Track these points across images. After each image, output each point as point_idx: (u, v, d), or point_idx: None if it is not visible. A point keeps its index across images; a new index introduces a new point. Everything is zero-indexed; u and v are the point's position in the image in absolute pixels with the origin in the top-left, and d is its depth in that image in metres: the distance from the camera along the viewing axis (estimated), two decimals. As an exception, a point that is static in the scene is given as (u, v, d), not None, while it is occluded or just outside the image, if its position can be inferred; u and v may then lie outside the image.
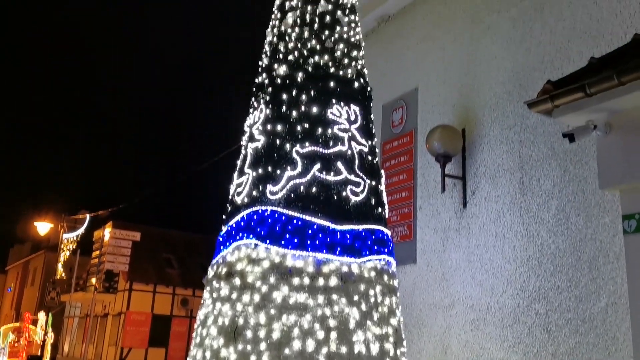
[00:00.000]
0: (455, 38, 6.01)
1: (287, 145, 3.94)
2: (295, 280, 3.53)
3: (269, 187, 3.80)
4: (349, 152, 4.03)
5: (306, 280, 3.53)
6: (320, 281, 3.55)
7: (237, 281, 3.61)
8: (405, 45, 6.73)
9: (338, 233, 3.72)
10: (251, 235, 3.69)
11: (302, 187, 3.78)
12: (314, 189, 3.78)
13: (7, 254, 46.35)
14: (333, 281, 3.57)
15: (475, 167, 5.44)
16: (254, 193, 3.86)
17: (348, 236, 3.77)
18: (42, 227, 24.90)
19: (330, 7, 4.46)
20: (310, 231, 3.66)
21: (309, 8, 4.43)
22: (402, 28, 6.86)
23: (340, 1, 4.55)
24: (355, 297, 3.61)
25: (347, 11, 4.57)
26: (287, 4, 4.52)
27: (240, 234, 3.77)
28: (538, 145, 4.86)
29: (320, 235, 3.67)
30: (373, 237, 3.90)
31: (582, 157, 4.46)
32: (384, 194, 4.27)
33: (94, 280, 23.94)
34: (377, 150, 4.42)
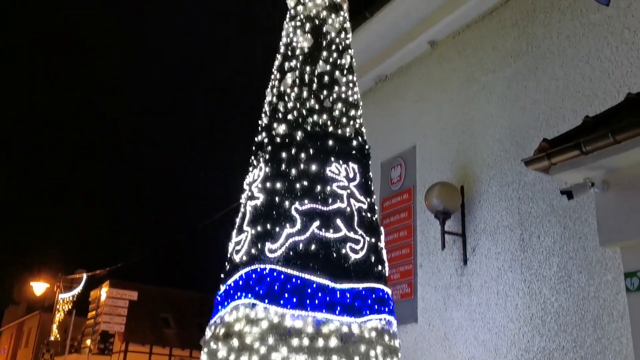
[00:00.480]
0: (451, 97, 6.12)
1: (286, 203, 3.94)
2: (295, 341, 3.45)
3: (268, 245, 3.78)
4: (348, 209, 4.03)
5: (305, 341, 3.46)
6: (320, 342, 3.48)
7: (235, 342, 3.53)
8: (402, 105, 6.85)
9: (338, 292, 3.68)
10: (249, 295, 3.64)
11: (301, 245, 3.76)
12: (313, 247, 3.76)
13: (1, 315, 45.52)
14: (333, 342, 3.50)
15: (474, 224, 5.42)
16: (253, 251, 3.84)
17: (348, 295, 3.71)
18: (38, 287, 24.58)
19: (328, 67, 4.57)
20: (309, 290, 3.62)
21: (308, 69, 4.54)
22: (398, 88, 7.00)
23: (339, 62, 4.67)
24: (356, 359, 3.52)
25: (345, 72, 4.68)
26: (287, 64, 4.64)
27: (239, 294, 3.72)
28: (537, 202, 4.87)
29: (319, 294, 3.62)
30: (373, 295, 3.84)
31: (581, 214, 4.46)
32: (384, 252, 4.24)
33: (88, 341, 23.40)
34: (376, 208, 4.43)
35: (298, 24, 4.77)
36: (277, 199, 3.98)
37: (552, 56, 5.08)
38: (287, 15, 4.95)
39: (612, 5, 4.65)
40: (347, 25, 4.99)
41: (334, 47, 4.68)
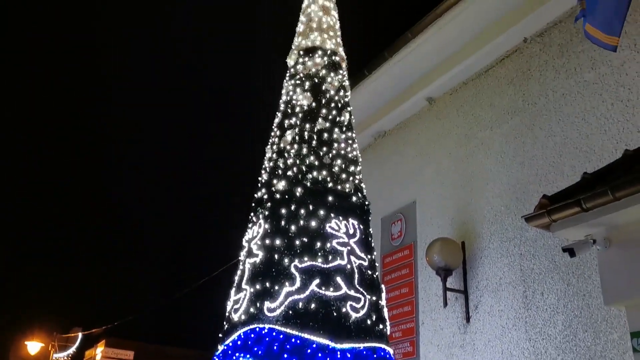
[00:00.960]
0: (450, 153, 6.17)
1: (286, 260, 3.90)
2: (294, 405, 3.34)
3: (267, 304, 3.71)
4: (349, 266, 3.98)
5: (305, 405, 3.34)
6: (320, 405, 3.36)
7: (232, 406, 3.42)
8: (401, 160, 6.90)
9: (338, 352, 3.58)
10: (248, 355, 3.55)
11: (300, 304, 3.69)
12: (312, 305, 3.69)
13: (-7, 375, 44.32)
14: (333, 405, 3.39)
15: (476, 281, 5.35)
16: (252, 310, 3.77)
17: (349, 355, 3.62)
18: (33, 346, 24.01)
19: (328, 125, 4.62)
20: (309, 350, 3.53)
21: (308, 126, 4.58)
22: (397, 143, 7.06)
23: (338, 119, 4.73)
24: (357, 423, 3.40)
25: (345, 129, 4.73)
26: (286, 122, 4.69)
27: (237, 354, 3.63)
28: (539, 258, 4.82)
29: (319, 354, 3.53)
30: (375, 355, 3.75)
31: (584, 271, 4.41)
32: (385, 310, 4.16)
33: (82, 402, 22.70)
34: (376, 264, 4.38)
35: (298, 82, 4.86)
36: (276, 256, 3.95)
37: (549, 113, 5.15)
38: (287, 74, 5.05)
39: (605, 63, 4.76)
40: (346, 83, 5.08)
41: (333, 104, 4.75)
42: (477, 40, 5.93)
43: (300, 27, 5.22)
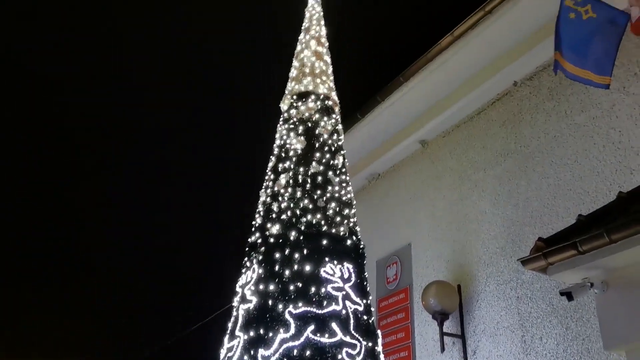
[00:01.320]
0: (444, 195, 6.17)
1: (280, 306, 3.84)
2: None
3: (261, 352, 3.62)
4: (344, 311, 3.91)
5: None
6: None
7: None
8: (395, 202, 6.89)
9: (334, 401, 3.48)
10: (241, 406, 3.44)
11: (295, 351, 3.61)
12: (308, 353, 3.61)
13: None
14: None
15: (474, 325, 5.27)
16: (246, 358, 3.68)
17: (345, 404, 3.52)
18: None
19: (321, 168, 4.62)
20: (304, 400, 3.43)
21: (302, 169, 4.58)
22: (392, 186, 7.07)
23: (331, 163, 4.73)
24: None
25: (338, 172, 4.73)
26: (280, 165, 4.69)
27: (230, 405, 3.52)
28: (536, 302, 4.76)
29: (315, 404, 3.43)
30: (371, 404, 3.65)
31: (583, 314, 4.35)
32: (382, 356, 4.07)
33: None
34: (372, 309, 4.31)
35: (291, 126, 4.88)
36: (270, 302, 3.88)
37: (542, 155, 5.18)
38: (281, 118, 5.08)
39: (595, 106, 4.82)
40: (339, 127, 5.11)
41: (326, 148, 4.77)
42: (468, 83, 6.02)
43: (293, 72, 5.29)
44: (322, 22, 5.64)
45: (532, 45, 5.40)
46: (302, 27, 5.63)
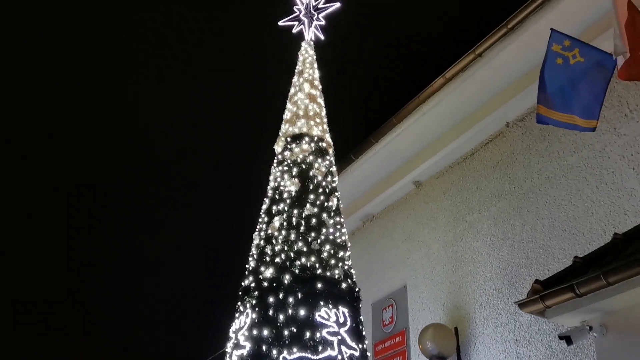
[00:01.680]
0: (439, 236, 6.14)
1: (274, 352, 3.77)
2: None
3: (255, 400, 3.53)
4: (339, 357, 3.85)
5: None
6: None
7: None
8: (390, 244, 6.84)
9: None
10: None
11: (290, 399, 3.52)
12: (303, 401, 3.52)
13: None
14: None
15: (472, 369, 5.17)
16: (238, 407, 3.58)
17: None
18: None
19: (316, 210, 4.61)
20: None
21: (296, 212, 4.56)
22: (386, 227, 7.04)
23: (326, 204, 4.72)
24: None
25: (333, 214, 4.72)
26: (274, 208, 4.67)
27: None
28: (535, 345, 4.68)
29: None
30: None
31: (582, 358, 4.27)
32: (378, 403, 3.98)
33: None
34: (368, 354, 4.23)
35: (285, 168, 4.88)
36: (264, 347, 3.80)
37: (535, 196, 5.18)
38: (275, 160, 5.09)
39: (587, 147, 4.86)
40: (333, 168, 5.12)
41: (321, 190, 4.76)
42: (461, 124, 6.07)
43: (287, 115, 5.32)
44: (315, 65, 5.73)
45: (523, 87, 5.47)
46: (296, 70, 5.70)
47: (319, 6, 6.09)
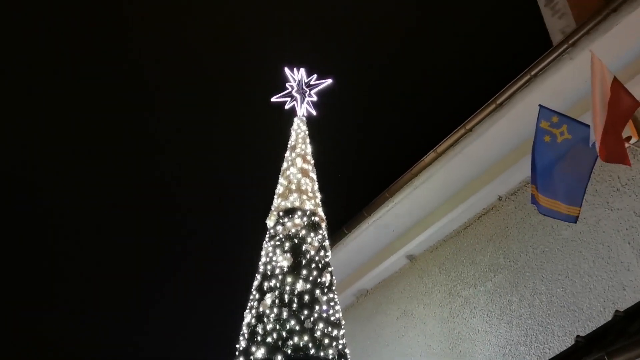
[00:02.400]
0: (435, 312, 5.98)
1: None
2: None
3: None
4: None
5: None
6: None
7: None
8: (385, 320, 6.66)
9: None
10: None
11: None
12: None
13: None
14: None
15: None
16: None
17: None
18: None
19: (308, 286, 4.50)
20: None
21: (288, 289, 4.45)
22: (380, 303, 6.87)
23: (319, 280, 4.61)
24: None
25: (326, 290, 4.60)
26: (266, 284, 4.55)
27: None
28: None
29: None
30: None
31: None
32: None
33: None
34: None
35: (277, 243, 4.80)
36: None
37: (532, 271, 5.10)
38: (267, 235, 5.01)
39: (581, 221, 4.83)
40: (326, 243, 5.04)
41: (313, 265, 4.67)
42: (454, 198, 6.06)
43: (279, 189, 5.30)
44: (308, 140, 5.76)
45: (514, 161, 5.51)
46: (288, 145, 5.73)
47: (311, 83, 6.20)
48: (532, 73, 5.01)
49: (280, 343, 4.11)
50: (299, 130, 5.83)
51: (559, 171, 3.98)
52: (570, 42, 4.76)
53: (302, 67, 6.30)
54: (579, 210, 3.88)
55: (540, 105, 4.20)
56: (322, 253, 4.85)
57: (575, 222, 4.05)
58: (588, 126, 4.09)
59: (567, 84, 4.98)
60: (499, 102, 5.31)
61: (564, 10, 6.03)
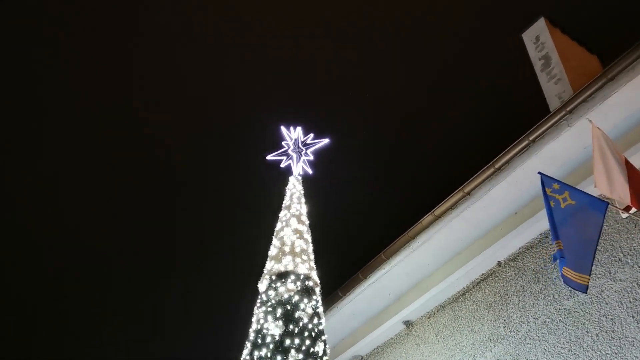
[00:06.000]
0: (433, 382, 5.73)
1: None
2: None
3: None
4: None
5: None
6: None
7: None
8: (380, 389, 6.38)
9: None
10: None
11: None
12: None
13: None
14: None
15: None
16: None
17: None
18: None
19: (301, 356, 4.31)
20: None
21: (279, 358, 4.24)
22: (376, 370, 6.60)
23: (311, 350, 4.41)
24: None
25: (319, 360, 4.38)
26: (256, 354, 4.35)
27: None
28: None
29: None
30: None
31: None
32: None
33: None
34: None
35: (269, 309, 4.61)
36: None
37: (533, 342, 4.90)
38: (258, 300, 4.82)
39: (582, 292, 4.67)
40: (320, 309, 4.85)
41: (306, 334, 4.47)
42: (452, 262, 5.91)
43: (272, 251, 5.13)
44: (303, 200, 5.65)
45: (513, 226, 5.41)
46: (283, 205, 5.61)
47: (308, 142, 6.16)
48: (531, 138, 4.97)
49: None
50: (294, 189, 5.73)
51: (566, 237, 3.89)
52: (567, 109, 4.74)
53: (299, 125, 6.27)
54: (589, 279, 3.76)
55: (540, 173, 4.14)
56: (315, 320, 4.65)
57: (586, 292, 3.91)
58: (590, 195, 4.03)
59: (566, 150, 4.94)
60: (497, 166, 5.25)
61: (560, 75, 6.05)
